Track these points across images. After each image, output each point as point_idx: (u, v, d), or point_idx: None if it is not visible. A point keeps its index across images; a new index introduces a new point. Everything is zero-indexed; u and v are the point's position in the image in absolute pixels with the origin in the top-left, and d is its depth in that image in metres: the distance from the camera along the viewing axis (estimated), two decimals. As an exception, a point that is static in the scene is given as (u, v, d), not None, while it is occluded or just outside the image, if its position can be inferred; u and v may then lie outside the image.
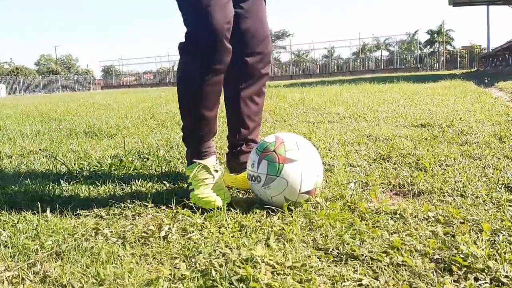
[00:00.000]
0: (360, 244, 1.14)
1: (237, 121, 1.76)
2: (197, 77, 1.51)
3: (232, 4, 1.53)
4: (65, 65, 67.36)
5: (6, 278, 1.04)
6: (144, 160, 2.29)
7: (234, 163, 1.77)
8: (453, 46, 46.76)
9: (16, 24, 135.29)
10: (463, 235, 1.15)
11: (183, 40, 1.51)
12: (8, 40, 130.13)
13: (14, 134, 3.86)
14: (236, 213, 1.40)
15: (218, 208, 1.45)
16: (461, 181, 1.64)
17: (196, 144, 1.59)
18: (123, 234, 1.27)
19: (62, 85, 50.85)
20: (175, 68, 49.69)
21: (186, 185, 1.60)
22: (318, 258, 1.09)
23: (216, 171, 1.57)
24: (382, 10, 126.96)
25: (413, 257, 1.05)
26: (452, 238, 1.14)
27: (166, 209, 1.49)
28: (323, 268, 1.03)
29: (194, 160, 1.57)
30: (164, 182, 1.80)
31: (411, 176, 1.74)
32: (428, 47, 47.34)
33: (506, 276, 0.95)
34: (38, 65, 66.40)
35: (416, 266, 1.01)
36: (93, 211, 1.51)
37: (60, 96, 21.64)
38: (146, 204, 1.54)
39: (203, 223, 1.33)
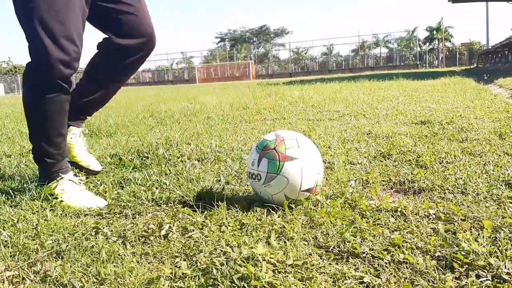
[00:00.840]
0: (361, 241, 1.14)
1: (85, 86, 1.86)
2: (40, 102, 1.61)
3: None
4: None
5: (6, 277, 1.03)
6: (144, 158, 2.28)
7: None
8: (453, 43, 46.72)
9: (14, 23, 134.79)
10: (464, 232, 1.15)
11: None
12: (6, 39, 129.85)
13: (13, 133, 3.85)
14: (237, 211, 1.40)
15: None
16: (461, 178, 1.63)
17: (57, 162, 1.70)
18: (123, 233, 1.27)
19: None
20: (174, 66, 49.74)
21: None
22: (319, 256, 1.08)
23: (80, 182, 1.71)
24: (381, 7, 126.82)
25: (415, 255, 1.05)
26: (453, 235, 1.14)
27: (166, 208, 1.49)
28: (324, 266, 1.03)
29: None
30: (164, 180, 1.80)
31: (412, 174, 1.74)
32: (427, 44, 47.28)
33: (508, 273, 0.94)
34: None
35: (417, 263, 1.01)
36: (93, 210, 1.51)
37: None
38: (146, 203, 1.54)
39: (204, 221, 1.33)
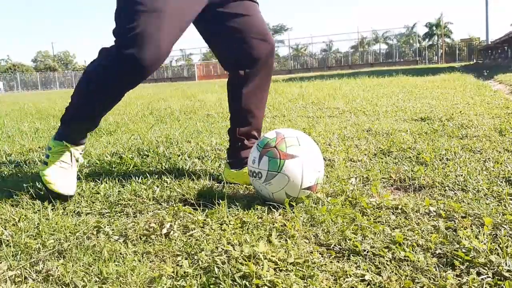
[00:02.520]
0: (362, 239, 1.14)
1: (238, 116, 1.76)
2: (112, 84, 1.56)
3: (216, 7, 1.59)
4: (62, 62, 67.15)
5: (9, 277, 1.03)
6: (144, 157, 2.29)
7: (235, 158, 1.77)
8: (452, 38, 46.71)
9: (13, 21, 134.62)
10: (465, 229, 1.15)
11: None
12: (5, 37, 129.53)
13: (13, 132, 3.85)
14: (237, 209, 1.40)
15: (55, 194, 1.58)
16: (462, 175, 1.64)
17: (77, 131, 1.69)
18: (124, 232, 1.27)
19: (60, 82, 50.68)
20: (173, 64, 49.63)
21: (43, 156, 1.71)
22: (320, 254, 1.09)
23: (77, 160, 1.71)
24: (380, 3, 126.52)
25: (415, 252, 1.05)
26: (454, 233, 1.15)
27: (167, 206, 1.49)
28: (325, 264, 1.03)
29: (65, 143, 1.66)
30: (165, 179, 1.80)
31: (412, 171, 1.74)
32: (427, 40, 47.24)
33: (509, 270, 0.95)
34: (35, 62, 66.17)
35: (418, 261, 1.01)
36: (94, 209, 1.51)
37: (58, 93, 21.59)
38: (147, 201, 1.54)
39: (205, 220, 1.33)
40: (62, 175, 1.63)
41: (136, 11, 1.42)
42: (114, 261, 1.09)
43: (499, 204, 1.34)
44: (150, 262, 1.10)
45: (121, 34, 1.47)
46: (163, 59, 1.49)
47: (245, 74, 1.70)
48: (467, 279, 0.93)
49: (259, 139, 1.58)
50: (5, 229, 1.32)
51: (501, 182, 1.54)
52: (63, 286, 0.99)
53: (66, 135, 1.67)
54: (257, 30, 1.67)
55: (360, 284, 0.94)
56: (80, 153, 1.73)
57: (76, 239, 1.23)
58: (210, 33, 1.72)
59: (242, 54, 1.68)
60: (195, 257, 1.09)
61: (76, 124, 1.68)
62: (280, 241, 1.15)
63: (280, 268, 1.01)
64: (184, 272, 1.01)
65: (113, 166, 2.12)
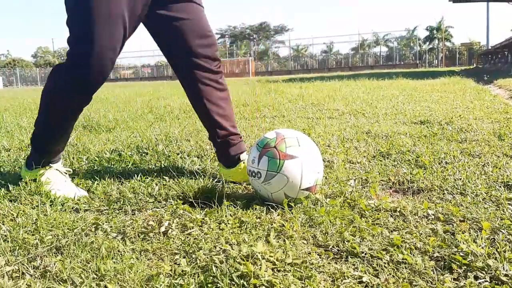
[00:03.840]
0: (360, 241, 1.14)
1: (209, 124, 1.80)
2: (65, 102, 1.60)
3: (160, 7, 1.60)
4: (62, 58, 67.01)
5: (6, 272, 1.03)
6: (143, 155, 2.28)
7: (226, 158, 1.80)
8: (452, 42, 46.71)
9: (14, 16, 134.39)
10: (463, 233, 1.16)
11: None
12: (6, 32, 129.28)
13: (11, 127, 3.85)
14: (236, 209, 1.40)
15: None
16: (460, 179, 1.64)
17: (53, 152, 1.74)
18: (123, 229, 1.27)
19: (60, 78, 50.50)
20: (174, 62, 49.46)
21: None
22: (318, 255, 1.09)
23: (66, 172, 1.76)
24: (381, 6, 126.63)
25: (413, 255, 1.06)
26: (452, 236, 1.15)
27: (166, 205, 1.49)
28: (323, 265, 1.03)
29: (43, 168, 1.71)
30: (164, 177, 1.80)
31: (411, 174, 1.75)
32: (427, 43, 47.27)
33: (506, 275, 0.95)
34: (35, 58, 66.07)
35: (416, 264, 1.01)
36: (93, 205, 1.51)
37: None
38: (146, 199, 1.54)
39: (203, 219, 1.33)
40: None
41: (85, 21, 1.46)
42: (112, 258, 1.09)
43: (498, 208, 1.34)
44: (148, 260, 1.10)
45: (70, 43, 1.52)
46: (108, 62, 1.52)
47: (193, 79, 1.72)
48: (464, 283, 0.93)
49: (259, 138, 1.58)
50: (3, 224, 1.32)
51: (500, 186, 1.54)
52: (61, 282, 0.99)
53: (41, 161, 1.71)
54: (200, 34, 1.68)
55: (358, 286, 0.94)
56: (65, 169, 1.79)
57: (74, 235, 1.23)
58: (154, 35, 1.73)
59: (186, 58, 1.69)
60: (193, 256, 1.09)
61: (49, 149, 1.72)
62: (278, 242, 1.15)
63: (278, 269, 1.01)
64: (182, 271, 1.01)
65: (112, 163, 2.12)
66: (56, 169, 1.73)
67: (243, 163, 1.75)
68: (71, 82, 1.53)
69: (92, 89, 1.57)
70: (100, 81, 1.54)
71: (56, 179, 1.69)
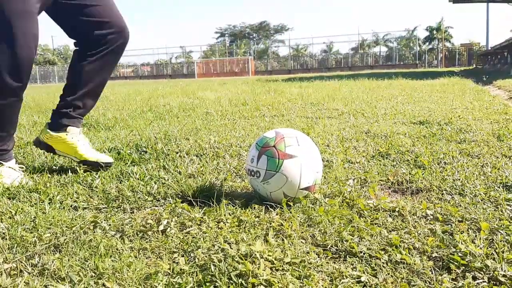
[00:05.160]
0: (359, 241, 1.14)
1: (71, 85, 1.92)
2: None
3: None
4: (62, 56, 66.94)
5: (4, 270, 1.03)
6: (142, 153, 2.28)
7: (56, 121, 1.92)
8: (452, 43, 46.71)
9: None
10: (462, 233, 1.16)
11: None
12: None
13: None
14: (235, 208, 1.40)
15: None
16: (459, 179, 1.64)
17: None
18: (121, 228, 1.27)
19: (59, 76, 50.51)
20: (173, 60, 49.57)
21: None
22: (316, 254, 1.09)
23: (20, 169, 1.84)
24: (381, 6, 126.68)
25: (412, 255, 1.06)
26: (451, 237, 1.15)
27: (165, 203, 1.49)
28: (321, 265, 1.03)
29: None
30: (162, 175, 1.80)
31: (410, 174, 1.75)
32: (427, 43, 47.29)
33: (504, 275, 0.95)
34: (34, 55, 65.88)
35: (414, 264, 1.01)
36: (91, 203, 1.51)
37: (57, 86, 21.52)
38: (145, 197, 1.54)
39: (202, 217, 1.33)
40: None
41: None
42: (111, 256, 1.09)
43: (496, 209, 1.34)
44: (147, 258, 1.10)
45: None
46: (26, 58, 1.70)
47: (91, 55, 1.86)
48: (462, 283, 0.93)
49: (259, 137, 1.58)
50: (1, 222, 1.32)
51: (498, 187, 1.54)
52: (59, 280, 0.99)
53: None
54: (110, 20, 1.86)
55: (356, 285, 0.94)
56: (73, 133, 1.92)
57: (73, 233, 1.23)
58: (58, 14, 1.87)
59: (93, 38, 1.85)
60: (192, 255, 1.09)
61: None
62: (277, 241, 1.15)
63: (277, 268, 1.01)
64: (180, 269, 1.01)
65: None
66: (9, 166, 1.80)
67: (66, 134, 1.90)
68: None
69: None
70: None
71: (9, 174, 1.77)
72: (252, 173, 1.46)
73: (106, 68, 1.93)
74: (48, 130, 1.92)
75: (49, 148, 1.94)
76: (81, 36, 1.87)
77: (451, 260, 1.02)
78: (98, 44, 1.85)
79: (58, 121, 1.91)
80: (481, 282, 0.94)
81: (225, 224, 1.28)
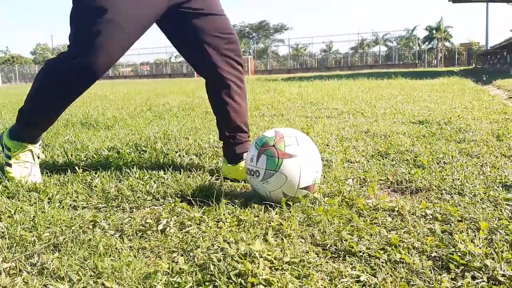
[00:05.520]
0: (358, 240, 1.14)
1: (221, 114, 1.81)
2: (62, 88, 1.61)
3: (179, 7, 1.63)
4: (61, 55, 66.74)
5: (3, 269, 1.03)
6: (142, 152, 2.28)
7: (230, 154, 1.81)
8: (452, 42, 46.73)
9: (12, 12, 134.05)
10: (461, 233, 1.16)
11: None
12: (4, 28, 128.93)
13: (10, 123, 3.83)
14: (234, 207, 1.40)
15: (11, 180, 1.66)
16: (458, 179, 1.64)
17: (35, 131, 1.76)
18: (120, 227, 1.27)
19: (59, 75, 50.37)
20: (172, 60, 49.52)
21: (4, 156, 1.80)
22: (316, 254, 1.09)
23: (38, 157, 1.79)
24: (381, 5, 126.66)
25: (411, 255, 1.06)
26: (450, 236, 1.15)
27: (164, 203, 1.49)
28: (321, 264, 1.03)
29: (24, 144, 1.75)
30: (162, 175, 1.80)
31: (409, 173, 1.75)
32: (427, 43, 47.29)
33: (503, 275, 0.95)
34: (34, 54, 65.91)
35: (414, 263, 1.01)
36: (91, 203, 1.51)
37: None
38: (144, 197, 1.54)
39: (201, 217, 1.33)
40: (27, 173, 1.75)
41: (89, 21, 1.49)
42: (110, 255, 1.08)
43: (495, 208, 1.34)
44: (146, 257, 1.10)
45: (74, 42, 1.55)
46: (111, 66, 1.61)
47: (215, 78, 1.75)
48: (462, 283, 0.93)
49: (258, 137, 1.58)
50: (1, 221, 1.31)
51: (498, 187, 1.54)
52: (58, 280, 0.99)
53: (23, 136, 1.76)
54: (221, 30, 1.70)
55: (355, 285, 0.94)
56: (39, 149, 1.82)
57: (72, 232, 1.23)
58: (175, 36, 1.75)
59: (207, 57, 1.71)
60: (191, 254, 1.09)
61: (33, 129, 1.76)
62: (276, 240, 1.15)
63: (276, 267, 1.01)
64: (180, 269, 1.01)
65: (110, 160, 2.11)
66: (30, 149, 1.78)
67: (245, 162, 1.76)
68: (75, 71, 1.55)
69: (94, 77, 1.58)
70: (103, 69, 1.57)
71: (25, 160, 1.76)
72: (252, 172, 1.46)
73: None
74: (228, 165, 1.81)
75: None
76: None
77: (450, 260, 1.02)
78: None
79: (238, 154, 1.80)
80: (480, 282, 0.94)
81: (225, 224, 1.28)
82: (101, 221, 1.31)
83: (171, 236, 1.21)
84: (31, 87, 1.68)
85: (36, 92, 1.66)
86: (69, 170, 1.90)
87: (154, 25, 1.71)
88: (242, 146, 1.81)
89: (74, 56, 1.53)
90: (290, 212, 1.35)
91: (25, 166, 1.75)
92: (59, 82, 1.59)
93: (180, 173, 1.82)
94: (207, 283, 0.95)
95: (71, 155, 2.25)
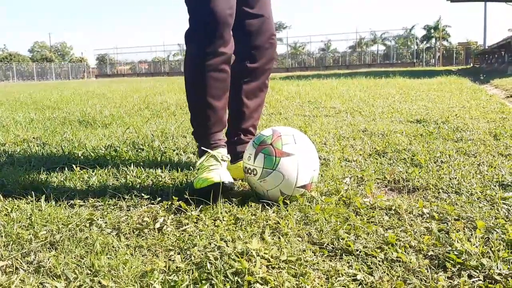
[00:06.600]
0: (355, 239, 1.14)
1: (236, 111, 1.78)
2: (197, 62, 1.53)
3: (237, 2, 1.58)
4: (59, 53, 66.73)
5: (0, 267, 1.03)
6: (139, 151, 2.28)
7: (230, 152, 1.77)
8: (450, 42, 46.78)
9: (10, 10, 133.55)
10: (457, 232, 1.16)
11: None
12: (2, 26, 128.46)
13: (7, 121, 3.82)
14: (231, 206, 1.40)
15: (213, 184, 1.42)
16: (456, 178, 1.64)
17: (205, 136, 1.60)
18: (117, 225, 1.27)
19: (56, 73, 50.32)
20: (170, 58, 49.43)
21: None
22: (313, 252, 1.09)
23: (224, 160, 1.58)
24: (379, 4, 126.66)
25: (408, 253, 1.06)
26: (447, 235, 1.15)
27: (161, 201, 1.48)
28: (318, 263, 1.03)
29: (203, 149, 1.58)
30: (159, 173, 1.79)
31: (406, 172, 1.75)
32: (425, 42, 47.33)
33: (500, 274, 0.95)
34: (32, 52, 65.72)
35: (410, 262, 1.01)
36: (88, 201, 1.50)
37: (54, 84, 21.45)
38: (141, 195, 1.54)
39: (198, 215, 1.33)
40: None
41: None
42: (106, 254, 1.08)
43: (492, 207, 1.34)
44: (143, 256, 1.10)
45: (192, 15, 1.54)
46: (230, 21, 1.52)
47: (248, 67, 1.74)
48: (458, 282, 0.93)
49: (255, 135, 1.58)
50: (-3, 219, 1.31)
51: (495, 186, 1.55)
52: (54, 278, 0.99)
53: (201, 146, 1.61)
54: (268, 31, 1.74)
55: (352, 283, 0.95)
56: (224, 154, 1.60)
57: (69, 231, 1.23)
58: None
59: (250, 48, 1.72)
60: (188, 252, 1.09)
61: (201, 126, 1.61)
62: (273, 239, 1.15)
63: (273, 266, 1.01)
64: (176, 267, 1.01)
65: (108, 159, 2.11)
66: (212, 155, 1.57)
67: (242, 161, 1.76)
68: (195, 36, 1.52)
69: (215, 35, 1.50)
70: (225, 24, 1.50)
71: (207, 165, 1.56)
72: (249, 171, 1.46)
73: None
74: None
75: None
76: None
77: (447, 259, 1.02)
78: None
79: (238, 153, 1.78)
80: (476, 281, 0.94)
81: (222, 222, 1.27)
82: (98, 219, 1.31)
83: (168, 235, 1.21)
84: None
85: (186, 79, 1.61)
86: (66, 168, 1.89)
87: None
88: (243, 146, 1.79)
89: (192, 24, 1.53)
90: (287, 210, 1.35)
91: (211, 169, 1.55)
92: (193, 49, 1.54)
93: (177, 172, 1.82)
94: (204, 282, 0.95)
95: (68, 153, 2.24)
